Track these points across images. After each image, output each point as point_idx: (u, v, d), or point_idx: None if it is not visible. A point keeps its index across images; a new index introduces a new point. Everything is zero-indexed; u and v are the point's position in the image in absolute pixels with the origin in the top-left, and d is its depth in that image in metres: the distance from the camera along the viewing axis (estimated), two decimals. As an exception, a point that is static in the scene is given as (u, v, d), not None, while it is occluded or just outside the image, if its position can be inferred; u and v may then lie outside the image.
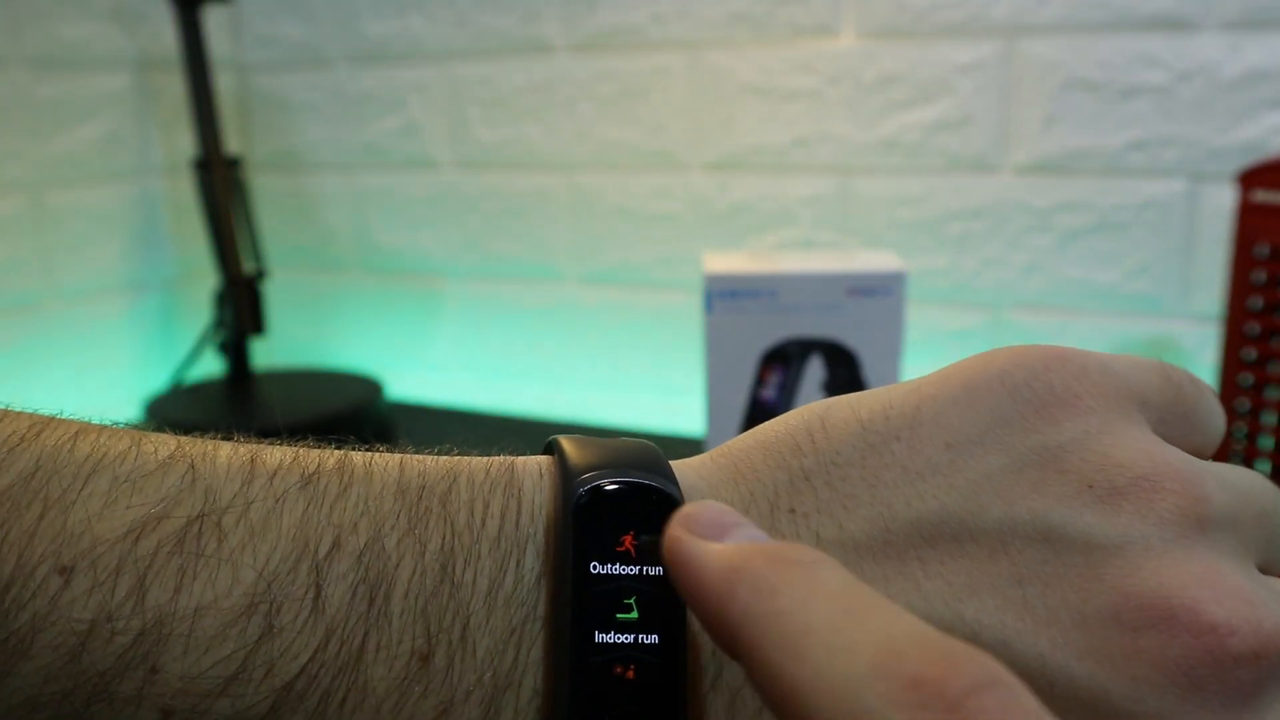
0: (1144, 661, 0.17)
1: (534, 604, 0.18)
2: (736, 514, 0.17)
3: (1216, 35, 0.67)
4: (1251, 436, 0.55)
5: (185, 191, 0.93)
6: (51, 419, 0.19)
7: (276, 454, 0.19)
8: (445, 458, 0.21)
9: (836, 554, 0.19)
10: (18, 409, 0.19)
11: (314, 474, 0.19)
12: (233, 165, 0.84)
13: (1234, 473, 0.20)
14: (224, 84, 0.95)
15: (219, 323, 0.85)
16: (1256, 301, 0.54)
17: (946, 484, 0.19)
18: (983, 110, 0.74)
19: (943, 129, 0.76)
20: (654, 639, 0.18)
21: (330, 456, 0.20)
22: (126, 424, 0.20)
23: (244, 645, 0.17)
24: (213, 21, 0.90)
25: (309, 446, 0.20)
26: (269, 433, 0.79)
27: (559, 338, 0.92)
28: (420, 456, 0.21)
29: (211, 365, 0.90)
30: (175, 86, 0.91)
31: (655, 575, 0.18)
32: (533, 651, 0.18)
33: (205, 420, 0.77)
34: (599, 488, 0.19)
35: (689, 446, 0.70)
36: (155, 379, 0.94)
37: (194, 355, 0.87)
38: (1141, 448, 0.19)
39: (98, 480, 0.17)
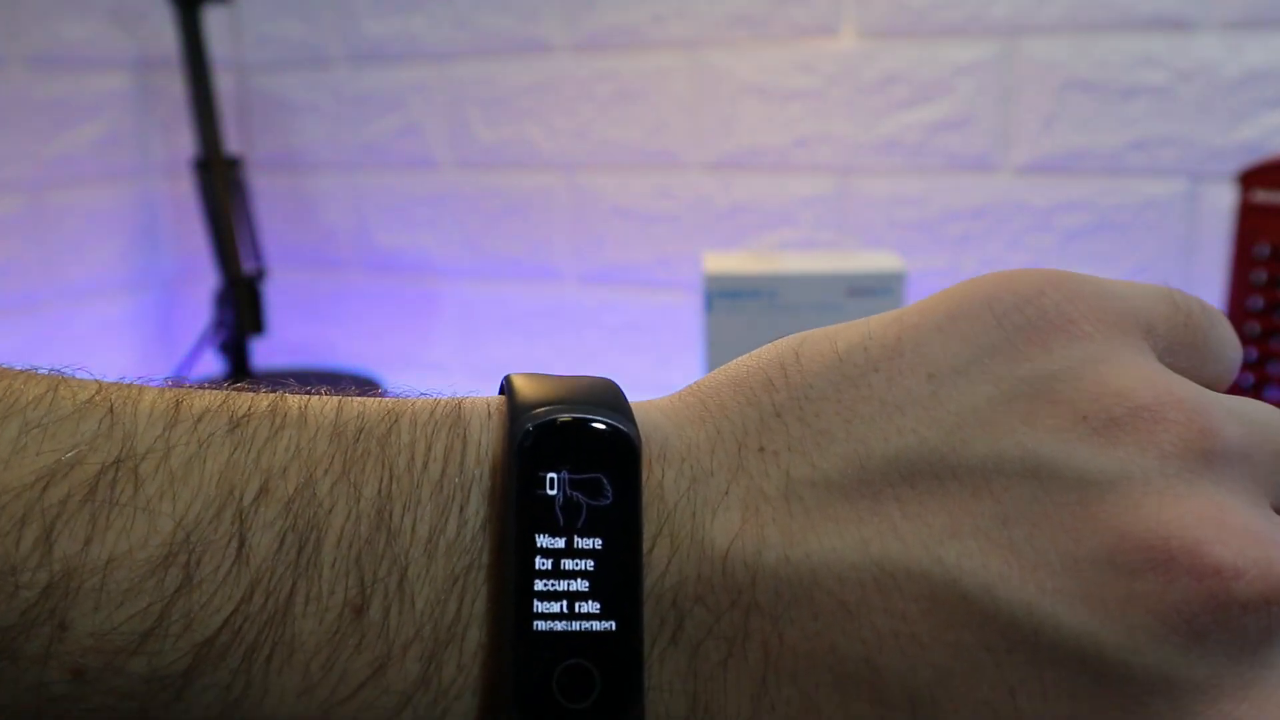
0: (1140, 608, 0.15)
1: (478, 552, 0.17)
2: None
3: (1217, 35, 0.67)
4: (1252, 436, 0.55)
5: (185, 191, 0.93)
6: None
7: (205, 397, 0.18)
8: (388, 400, 0.19)
9: (808, 495, 0.17)
10: None
11: (244, 417, 0.17)
12: (232, 165, 0.84)
13: (1249, 405, 0.18)
14: (224, 84, 0.95)
15: (219, 323, 0.85)
16: (1256, 301, 0.54)
17: (927, 417, 0.17)
18: (983, 110, 0.74)
19: (943, 129, 0.76)
20: (602, 610, 0.17)
21: (263, 399, 0.18)
22: (49, 370, 0.18)
23: (160, 598, 0.16)
24: (212, 21, 0.90)
25: (242, 389, 0.19)
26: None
27: (559, 338, 0.92)
28: (361, 399, 0.19)
29: (211, 365, 0.90)
30: (175, 86, 0.91)
31: (607, 512, 0.17)
32: (477, 603, 0.17)
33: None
34: (548, 423, 0.17)
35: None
36: (155, 379, 0.94)
37: (194, 355, 0.87)
38: (1143, 375, 0.17)
39: (7, 426, 0.16)
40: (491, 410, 0.19)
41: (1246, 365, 0.55)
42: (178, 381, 0.19)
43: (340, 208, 0.99)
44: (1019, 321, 0.18)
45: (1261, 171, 0.54)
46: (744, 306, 0.57)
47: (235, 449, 0.17)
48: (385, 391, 0.20)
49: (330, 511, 0.17)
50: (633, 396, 0.20)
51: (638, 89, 0.84)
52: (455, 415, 0.19)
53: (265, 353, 0.99)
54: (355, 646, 0.16)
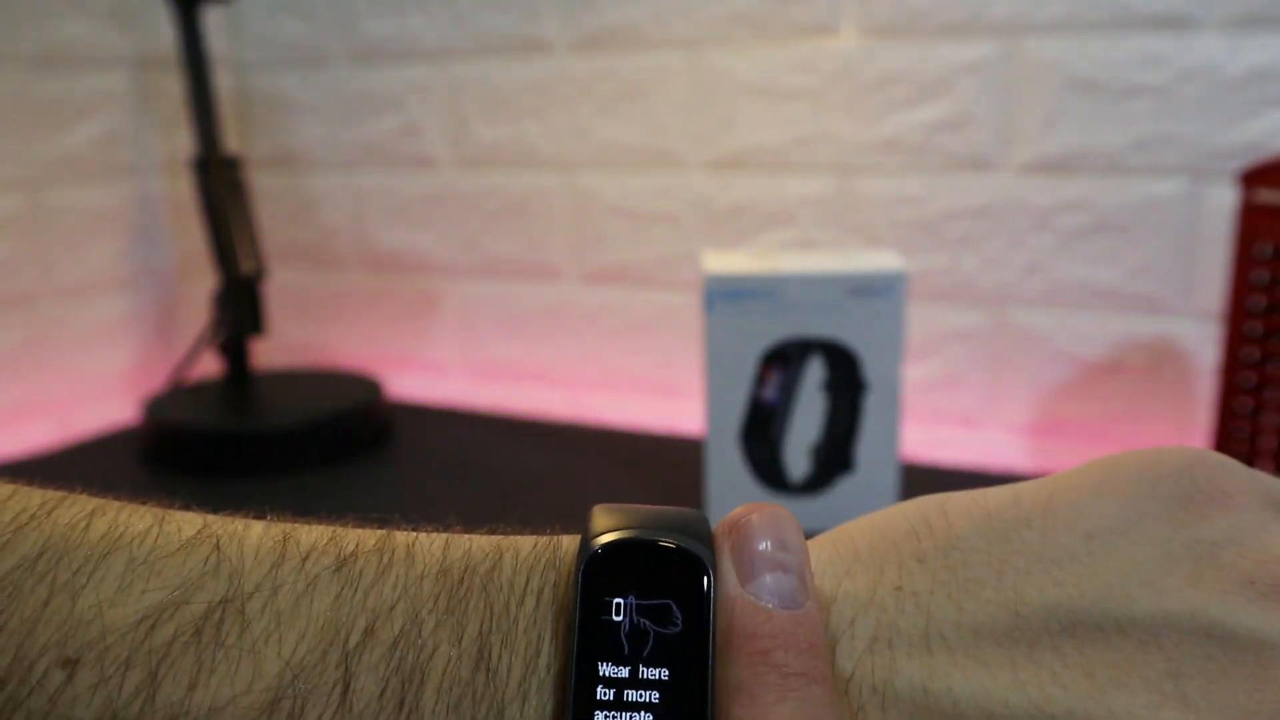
0: None
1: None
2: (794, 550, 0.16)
3: (1218, 34, 0.67)
4: (1253, 437, 0.55)
5: (184, 190, 0.93)
6: (67, 496, 0.17)
7: (312, 533, 0.18)
8: (494, 536, 0.19)
9: (953, 636, 0.17)
10: (29, 489, 0.18)
11: (351, 555, 0.17)
12: (231, 164, 0.84)
13: None
14: (223, 83, 0.95)
15: (218, 322, 0.85)
16: (1258, 301, 0.54)
17: (1088, 572, 0.17)
18: (983, 110, 0.74)
19: (943, 129, 0.76)
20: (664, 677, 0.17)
21: (371, 537, 0.18)
22: (152, 505, 0.18)
23: None
24: (211, 20, 0.90)
25: (350, 525, 0.19)
26: (269, 434, 0.79)
27: (559, 338, 0.92)
28: (469, 535, 0.19)
29: (211, 365, 0.89)
30: (174, 85, 0.91)
31: (675, 640, 0.17)
32: None
33: (205, 420, 0.77)
34: (614, 544, 0.17)
35: (689, 447, 0.70)
36: (154, 378, 0.94)
37: (193, 355, 0.87)
38: None
39: (112, 562, 0.16)
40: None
41: (1248, 365, 0.55)
42: (280, 516, 0.19)
43: (339, 207, 0.99)
44: (1174, 491, 0.18)
45: (1263, 171, 0.54)
46: (744, 306, 0.57)
47: (343, 587, 0.17)
48: (503, 527, 0.20)
49: (433, 654, 0.17)
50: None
51: (638, 89, 0.84)
52: (552, 548, 0.19)
53: (265, 352, 0.99)
54: None
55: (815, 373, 0.57)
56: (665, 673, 0.17)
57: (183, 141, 0.92)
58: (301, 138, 0.98)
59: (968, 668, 0.17)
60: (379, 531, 0.18)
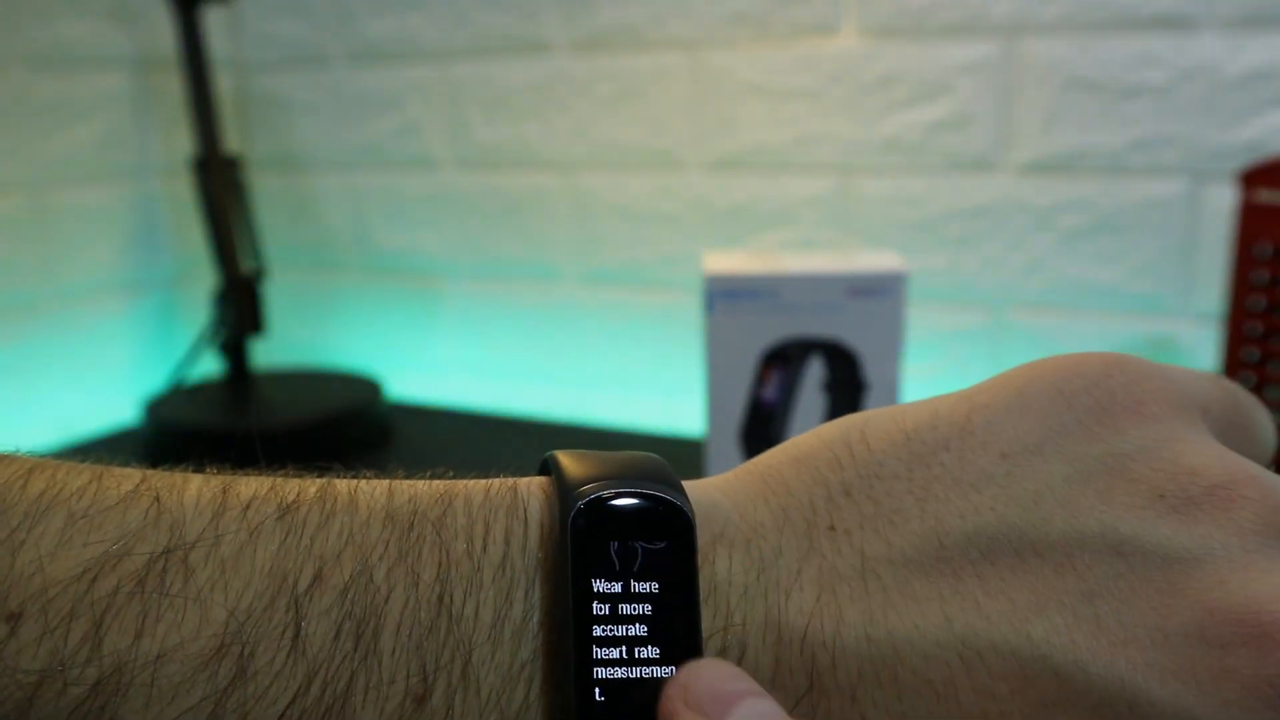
0: (1235, 682, 0.16)
1: (546, 635, 0.17)
2: (742, 678, 0.15)
3: (1218, 34, 0.67)
4: (1253, 437, 0.55)
5: (184, 191, 0.93)
6: (4, 456, 0.17)
7: (251, 484, 0.18)
8: (439, 481, 0.19)
9: (886, 574, 0.17)
10: None
11: (293, 503, 0.17)
12: (232, 165, 0.84)
13: None
14: (223, 83, 0.95)
15: (218, 322, 0.85)
16: (1258, 301, 0.54)
17: (1004, 495, 0.17)
18: (983, 110, 0.74)
19: (943, 129, 0.76)
20: (662, 655, 0.17)
21: (312, 485, 0.18)
22: (90, 461, 0.18)
23: (214, 692, 0.15)
24: (211, 21, 0.90)
25: (289, 475, 0.18)
26: (268, 433, 0.79)
27: (559, 338, 0.92)
28: (411, 481, 0.19)
29: (211, 365, 0.89)
30: (174, 86, 0.91)
31: (666, 587, 0.17)
32: (545, 688, 0.17)
33: (205, 420, 0.77)
34: (597, 500, 0.17)
35: (689, 447, 0.70)
36: (154, 379, 0.94)
37: (193, 355, 0.87)
38: (1213, 454, 0.18)
39: (52, 518, 0.16)
40: (547, 491, 0.19)
41: (1248, 365, 0.55)
42: (220, 469, 0.19)
43: (340, 207, 0.99)
44: (1088, 403, 0.18)
45: (1263, 171, 0.54)
46: (744, 306, 0.57)
47: (287, 535, 0.17)
48: (443, 472, 0.20)
49: (388, 598, 0.16)
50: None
51: (638, 89, 0.84)
52: (512, 497, 0.18)
53: (265, 353, 0.99)
54: None
55: (815, 373, 0.57)
56: (655, 585, 0.17)
57: (183, 142, 0.92)
58: (301, 138, 0.98)
59: (901, 607, 0.17)
60: (319, 480, 0.18)
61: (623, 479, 0.18)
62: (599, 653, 0.16)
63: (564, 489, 0.18)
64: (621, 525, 0.17)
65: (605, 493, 0.17)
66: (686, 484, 0.19)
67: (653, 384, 0.87)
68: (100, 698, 0.15)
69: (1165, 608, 0.16)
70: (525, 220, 0.91)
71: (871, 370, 0.57)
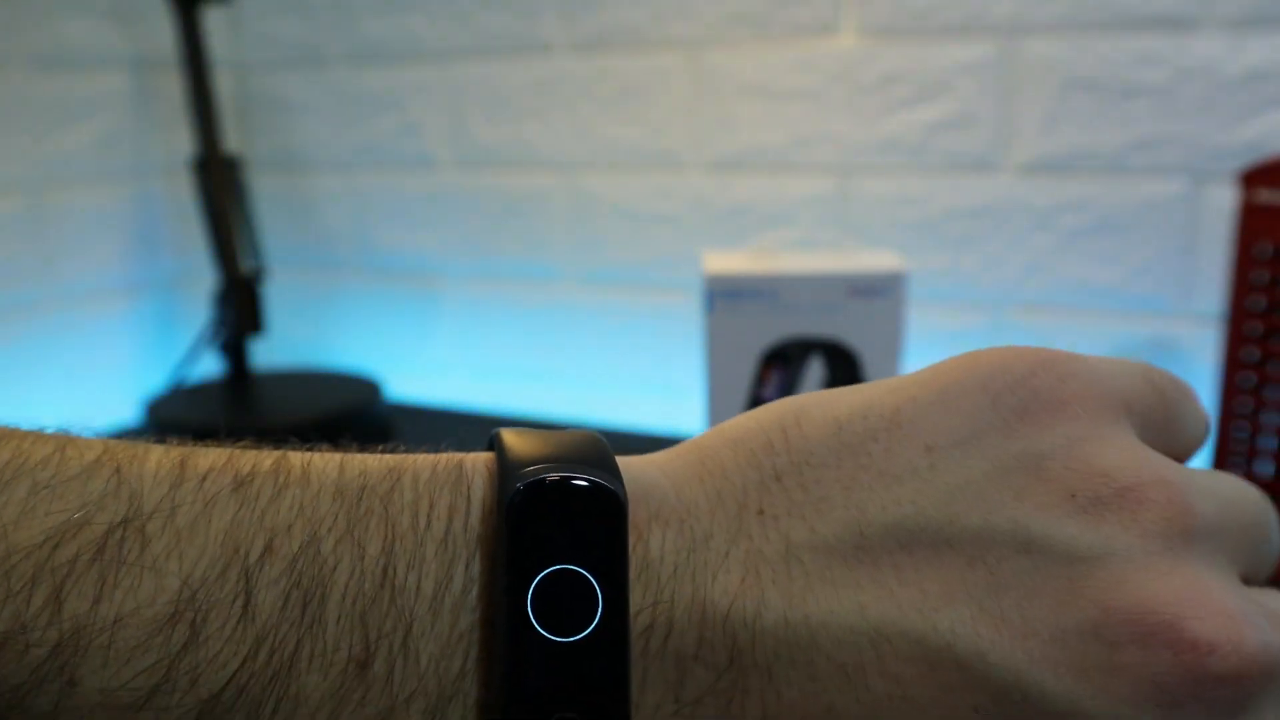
0: (1122, 678, 0.17)
1: (484, 608, 0.18)
2: None
3: (1218, 34, 0.67)
4: (1253, 437, 0.55)
5: (184, 191, 0.93)
6: None
7: (209, 456, 0.18)
8: (389, 456, 0.20)
9: (808, 559, 0.18)
10: None
11: (248, 476, 0.18)
12: (231, 165, 0.84)
13: (1220, 481, 0.20)
14: (223, 83, 0.95)
15: (218, 323, 0.85)
16: (1258, 301, 0.54)
17: (925, 489, 0.18)
18: (983, 110, 0.74)
19: (943, 129, 0.76)
20: (595, 633, 0.17)
21: (267, 458, 0.19)
22: (56, 429, 0.19)
23: (167, 655, 0.16)
24: (211, 21, 0.90)
25: (245, 448, 0.19)
26: (268, 432, 0.79)
27: (558, 338, 0.92)
28: (363, 456, 0.20)
29: (211, 365, 0.89)
30: (174, 86, 0.91)
31: (597, 567, 0.18)
32: (482, 658, 0.18)
33: (205, 420, 0.77)
34: (536, 483, 0.18)
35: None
36: (154, 379, 0.94)
37: (193, 355, 0.87)
38: (1127, 456, 0.18)
39: (16, 487, 0.17)
40: (490, 469, 0.19)
41: (1248, 365, 0.55)
42: (182, 441, 0.19)
43: (340, 207, 0.99)
44: (1012, 402, 0.19)
45: (1263, 171, 0.54)
46: (744, 306, 0.57)
47: (240, 507, 0.17)
48: (392, 445, 0.21)
49: (334, 569, 0.17)
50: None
51: (638, 89, 0.84)
52: (458, 474, 0.19)
53: (264, 353, 0.99)
54: (359, 700, 0.17)
55: (815, 373, 0.57)
56: (591, 576, 0.18)
57: (183, 142, 0.92)
58: (301, 138, 0.98)
59: (820, 592, 0.18)
60: (275, 453, 0.19)
61: (562, 461, 0.19)
62: (532, 626, 0.17)
63: (505, 469, 0.19)
64: (557, 507, 0.18)
65: (544, 475, 0.18)
66: (629, 460, 0.20)
67: (652, 384, 0.87)
68: (60, 658, 0.16)
69: (1066, 604, 0.17)
70: (525, 220, 0.91)
71: (871, 370, 0.57)
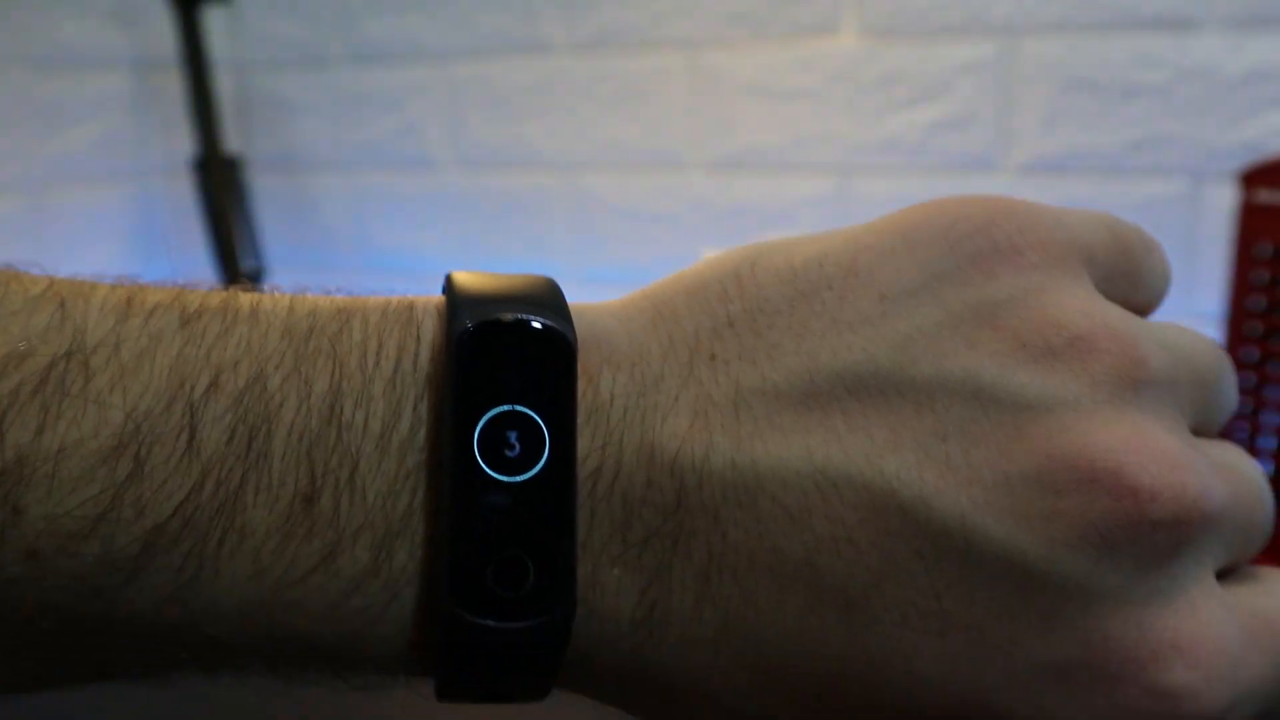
0: (1062, 523, 0.17)
1: (431, 447, 0.18)
2: None
3: (1218, 34, 0.67)
4: (1253, 437, 0.55)
5: (184, 192, 0.93)
6: None
7: (156, 293, 0.18)
8: (340, 298, 0.20)
9: (757, 404, 0.18)
10: None
11: (195, 313, 0.18)
12: (232, 165, 0.84)
13: (1175, 332, 0.20)
14: (223, 84, 0.95)
15: (218, 323, 0.85)
16: (1258, 301, 0.54)
17: (876, 335, 0.18)
18: (983, 110, 0.74)
19: (943, 129, 0.76)
20: (541, 474, 0.17)
21: (215, 296, 0.18)
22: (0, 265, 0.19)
23: (112, 485, 0.16)
24: (212, 21, 0.90)
25: (194, 286, 0.19)
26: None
27: (559, 338, 0.92)
28: (314, 297, 0.19)
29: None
30: (174, 86, 0.91)
31: (545, 408, 0.18)
32: (429, 496, 0.17)
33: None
34: (487, 322, 0.18)
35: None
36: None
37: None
38: (1081, 307, 0.18)
39: None
40: (442, 311, 0.19)
41: (1247, 365, 0.55)
42: (131, 279, 0.19)
43: (340, 208, 0.99)
44: (970, 250, 0.19)
45: (1263, 171, 0.54)
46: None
47: (186, 344, 0.17)
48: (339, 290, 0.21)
49: (281, 405, 0.17)
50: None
51: (638, 89, 0.84)
52: (408, 314, 0.19)
53: (265, 353, 0.99)
54: (306, 534, 0.17)
55: (815, 373, 0.57)
56: (536, 414, 0.18)
57: (183, 142, 0.92)
58: (301, 138, 0.98)
59: (768, 436, 0.18)
60: (223, 291, 0.19)
61: (512, 301, 0.19)
62: (477, 464, 0.17)
63: (455, 307, 0.19)
64: (506, 346, 0.18)
65: (493, 315, 0.18)
66: (582, 306, 0.20)
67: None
68: (4, 486, 0.16)
69: (1011, 451, 0.17)
70: (525, 220, 0.91)
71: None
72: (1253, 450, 0.55)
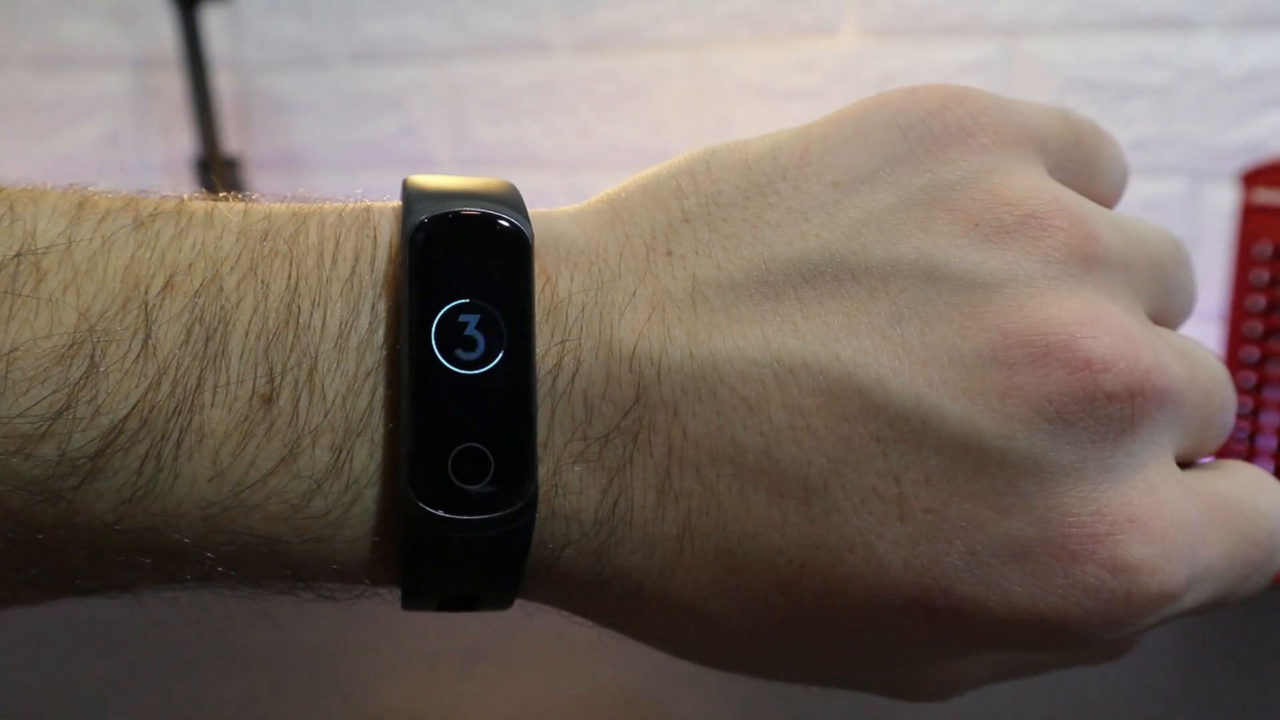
0: (1017, 398, 0.17)
1: (390, 347, 0.18)
2: None
3: (1217, 35, 0.67)
4: (1252, 437, 0.55)
5: (184, 191, 0.93)
6: None
7: (109, 198, 0.18)
8: (295, 204, 0.19)
9: (714, 296, 0.18)
10: None
11: (149, 216, 0.18)
12: (232, 165, 0.84)
13: (1133, 221, 0.20)
14: (223, 83, 0.95)
15: (218, 323, 0.85)
16: (1258, 301, 0.54)
17: (830, 222, 0.18)
18: (983, 110, 0.74)
19: (943, 129, 0.76)
20: (499, 366, 0.17)
21: (169, 201, 0.18)
22: None
23: (66, 385, 0.16)
24: (212, 21, 0.90)
25: (146, 194, 0.19)
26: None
27: (559, 338, 0.92)
28: (268, 203, 0.19)
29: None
30: (174, 86, 0.91)
31: (502, 302, 0.18)
32: (388, 395, 0.17)
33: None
34: (441, 216, 0.18)
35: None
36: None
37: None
38: (1033, 186, 0.18)
39: None
40: (398, 213, 0.19)
41: (1247, 365, 0.55)
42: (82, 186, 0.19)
43: (340, 207, 0.99)
44: (922, 134, 0.19)
45: (1263, 171, 0.54)
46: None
47: (140, 246, 0.17)
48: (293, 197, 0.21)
49: (237, 306, 0.17)
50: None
51: (638, 89, 0.84)
52: (364, 217, 0.19)
53: (264, 353, 0.99)
54: (265, 434, 0.17)
55: (815, 373, 0.57)
56: (495, 307, 0.18)
57: (183, 142, 0.92)
58: (301, 138, 0.98)
59: (724, 328, 0.18)
60: (177, 197, 0.19)
61: (469, 197, 0.18)
62: (435, 358, 0.17)
63: (410, 205, 0.18)
64: (462, 240, 0.18)
65: (449, 210, 0.18)
66: (543, 212, 0.20)
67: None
68: None
69: (965, 330, 0.17)
70: (525, 220, 0.91)
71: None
72: (1253, 450, 0.55)
